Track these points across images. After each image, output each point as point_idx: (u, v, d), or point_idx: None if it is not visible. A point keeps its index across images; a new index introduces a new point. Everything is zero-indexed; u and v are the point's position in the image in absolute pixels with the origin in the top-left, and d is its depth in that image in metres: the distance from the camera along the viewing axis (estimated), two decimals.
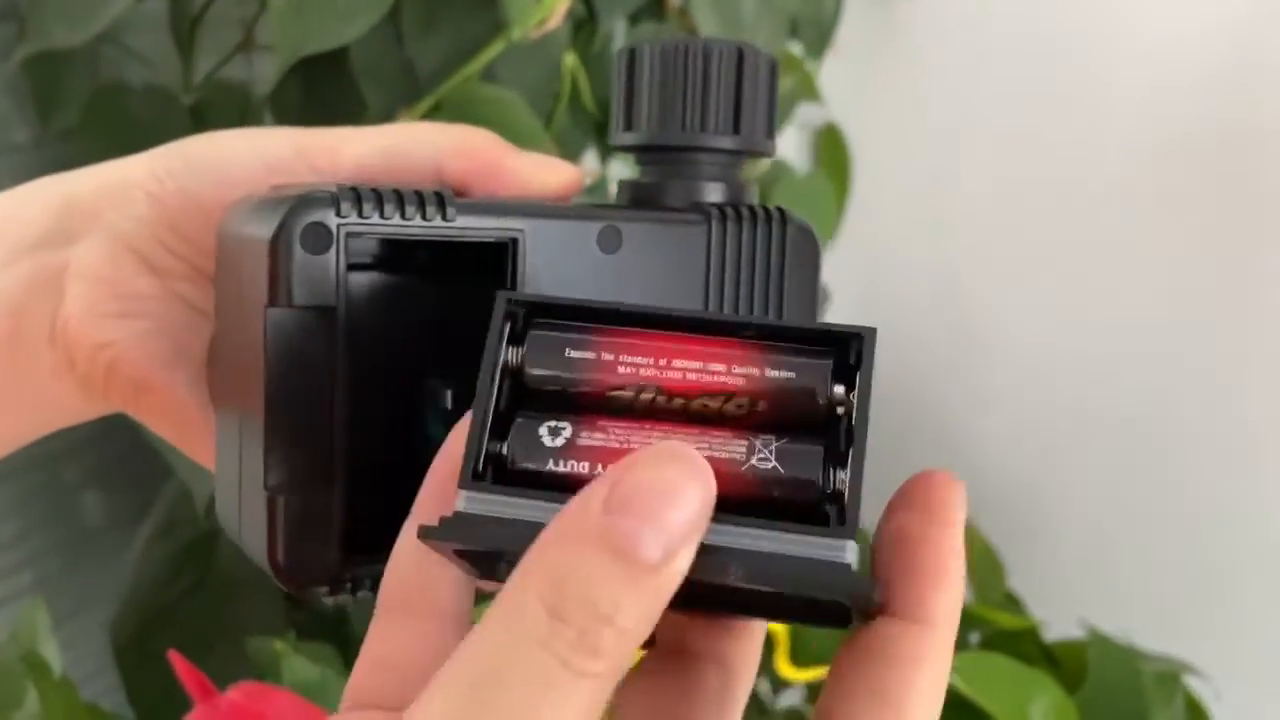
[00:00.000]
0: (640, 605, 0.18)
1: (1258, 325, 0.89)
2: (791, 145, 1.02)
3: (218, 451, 0.29)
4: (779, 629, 0.73)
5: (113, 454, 0.75)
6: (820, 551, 0.19)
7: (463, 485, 0.20)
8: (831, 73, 0.97)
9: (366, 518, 0.26)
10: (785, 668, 0.75)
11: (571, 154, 0.74)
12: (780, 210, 0.30)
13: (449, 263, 0.28)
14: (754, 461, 0.20)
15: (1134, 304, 0.93)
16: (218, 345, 0.29)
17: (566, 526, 0.18)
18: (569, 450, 0.21)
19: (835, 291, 1.04)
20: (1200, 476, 0.92)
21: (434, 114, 0.65)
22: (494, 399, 0.21)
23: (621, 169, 0.83)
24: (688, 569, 0.19)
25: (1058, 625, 0.79)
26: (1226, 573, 0.91)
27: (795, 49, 0.91)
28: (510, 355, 0.21)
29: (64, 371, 0.31)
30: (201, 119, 0.69)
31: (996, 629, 0.74)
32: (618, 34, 0.78)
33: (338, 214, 0.25)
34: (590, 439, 0.21)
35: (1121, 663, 0.70)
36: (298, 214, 0.25)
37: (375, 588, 0.25)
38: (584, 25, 0.75)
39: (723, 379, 0.21)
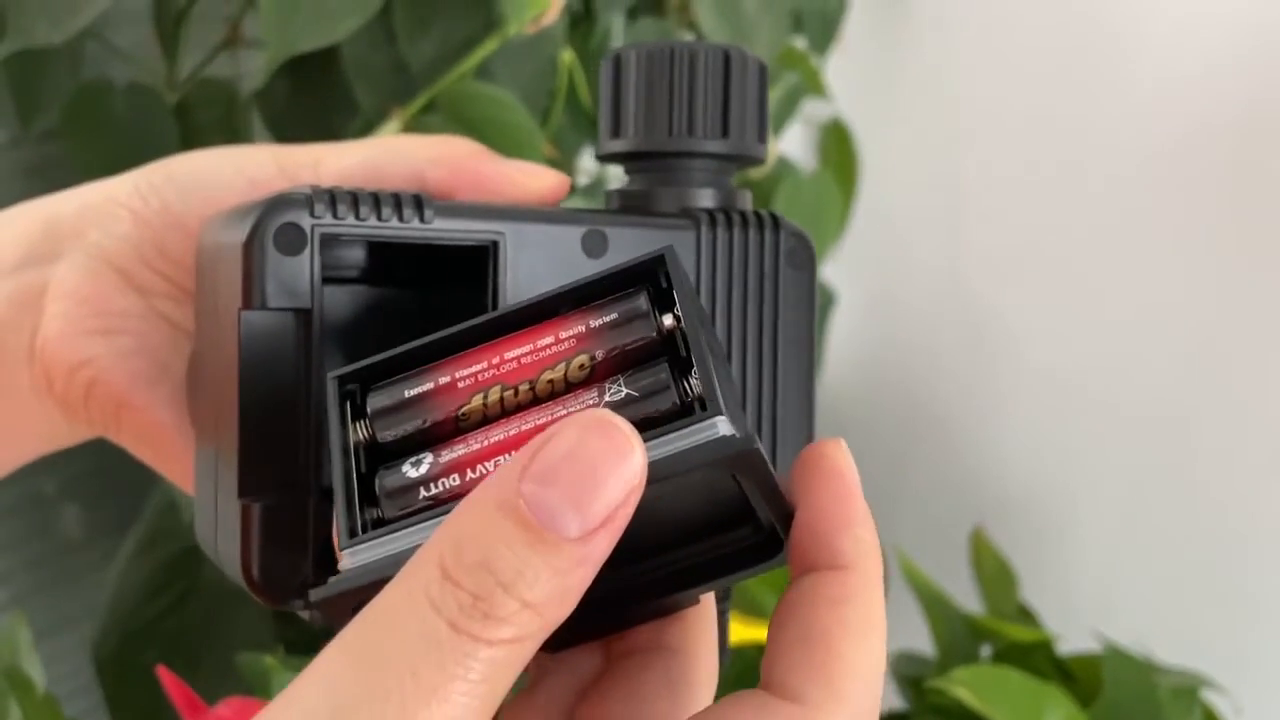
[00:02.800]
0: (551, 580, 0.18)
1: None
2: (797, 142, 1.01)
3: (196, 470, 0.29)
4: None
5: (94, 465, 0.74)
6: (695, 437, 0.19)
7: (342, 547, 0.20)
8: (838, 68, 0.96)
9: None
10: None
11: (568, 152, 0.74)
12: (773, 216, 0.29)
13: (432, 273, 0.28)
14: (606, 399, 0.21)
15: (1154, 305, 0.92)
16: (196, 360, 0.30)
17: (480, 493, 0.19)
18: (435, 472, 0.21)
19: (842, 294, 1.03)
20: (1221, 484, 0.90)
21: (427, 113, 0.65)
22: (351, 471, 0.21)
23: (618, 169, 0.83)
24: (608, 549, 0.18)
25: (1072, 638, 0.78)
26: (1249, 584, 0.90)
27: (800, 43, 0.90)
28: (360, 431, 0.21)
29: (43, 391, 0.31)
30: (186, 117, 0.70)
31: (1008, 642, 0.73)
32: (616, 30, 0.78)
33: (311, 214, 0.25)
34: (453, 453, 0.21)
35: (1137, 676, 0.69)
36: (271, 215, 0.25)
37: None
38: (581, 21, 0.75)
39: (555, 349, 0.21)
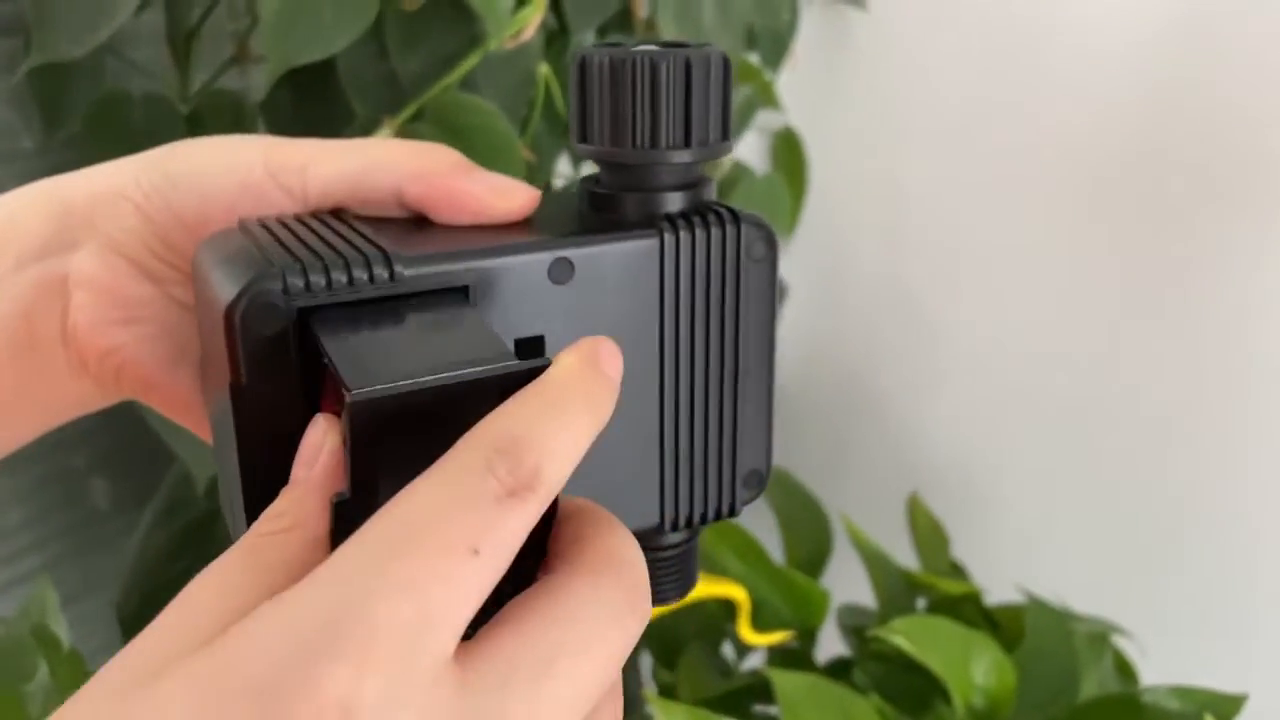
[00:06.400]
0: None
1: (1183, 313, 0.88)
2: (751, 149, 1.02)
3: (215, 452, 0.28)
4: (742, 599, 0.73)
5: (118, 441, 0.74)
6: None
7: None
8: (789, 81, 0.97)
9: None
10: (747, 633, 0.74)
11: (545, 158, 0.74)
12: (732, 211, 0.28)
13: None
14: None
15: (1070, 300, 0.93)
16: (204, 361, 0.29)
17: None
18: None
19: (792, 286, 1.04)
20: (1127, 455, 0.92)
21: (416, 122, 0.65)
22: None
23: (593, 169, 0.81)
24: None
25: (998, 592, 0.80)
26: (1152, 542, 0.91)
27: (754, 59, 0.91)
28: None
29: (79, 370, 0.31)
30: (198, 127, 0.69)
31: (941, 595, 0.74)
32: (588, 45, 0.77)
33: (285, 292, 0.24)
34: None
35: (1056, 625, 0.70)
36: (248, 297, 0.23)
37: None
38: (556, 37, 0.74)
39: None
